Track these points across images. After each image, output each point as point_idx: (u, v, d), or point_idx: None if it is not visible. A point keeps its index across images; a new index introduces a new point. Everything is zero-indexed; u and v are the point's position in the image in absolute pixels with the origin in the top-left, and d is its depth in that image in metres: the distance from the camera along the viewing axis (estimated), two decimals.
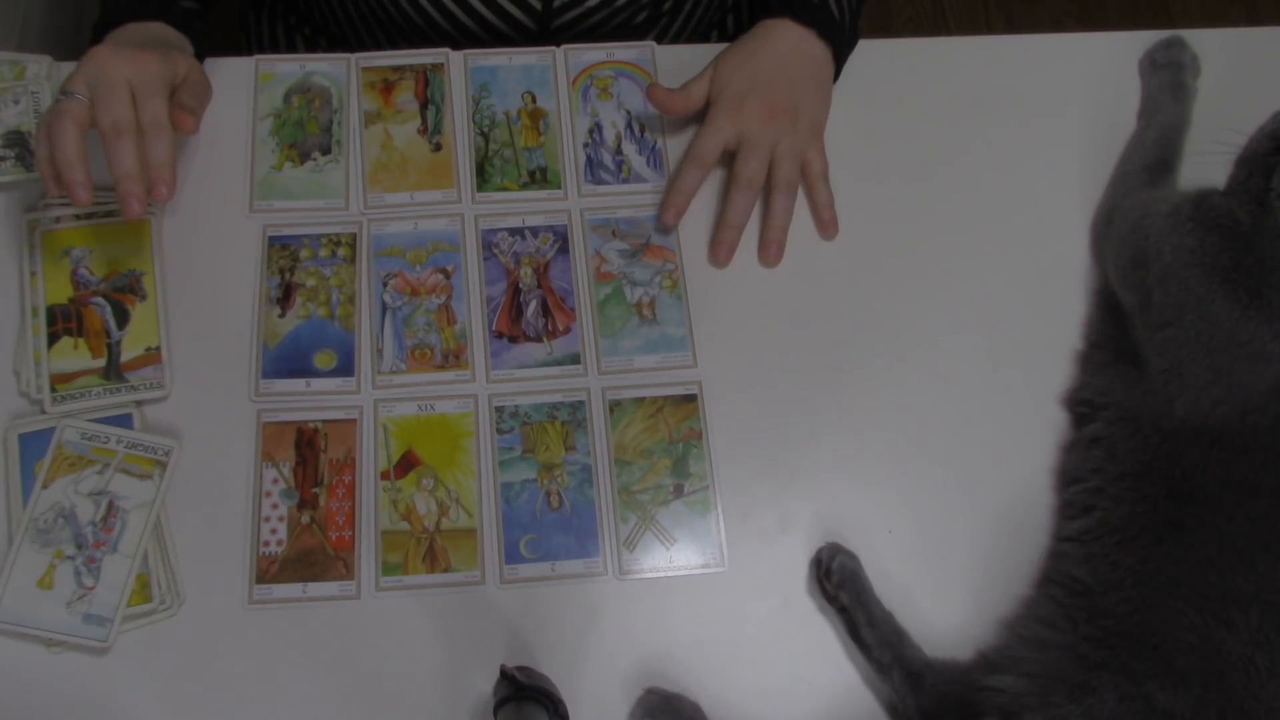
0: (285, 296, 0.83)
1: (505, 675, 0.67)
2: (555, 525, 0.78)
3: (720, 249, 0.86)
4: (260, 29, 1.11)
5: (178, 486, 0.77)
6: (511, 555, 0.77)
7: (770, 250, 0.86)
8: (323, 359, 0.82)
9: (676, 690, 0.74)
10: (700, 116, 0.89)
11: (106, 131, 0.74)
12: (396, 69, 0.91)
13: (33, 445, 0.77)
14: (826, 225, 0.87)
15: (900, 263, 0.88)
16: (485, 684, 0.73)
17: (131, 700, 0.73)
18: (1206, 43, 0.93)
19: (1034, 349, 0.85)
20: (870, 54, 0.93)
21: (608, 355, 0.83)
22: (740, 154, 0.86)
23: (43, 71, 0.88)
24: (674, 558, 0.78)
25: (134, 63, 0.76)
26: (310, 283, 0.84)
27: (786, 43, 0.88)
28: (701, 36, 1.09)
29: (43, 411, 0.78)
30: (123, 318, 0.81)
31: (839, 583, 0.76)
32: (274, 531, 0.77)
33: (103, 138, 0.74)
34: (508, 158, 0.89)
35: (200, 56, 0.87)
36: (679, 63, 0.92)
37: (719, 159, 0.87)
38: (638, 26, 1.00)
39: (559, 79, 0.92)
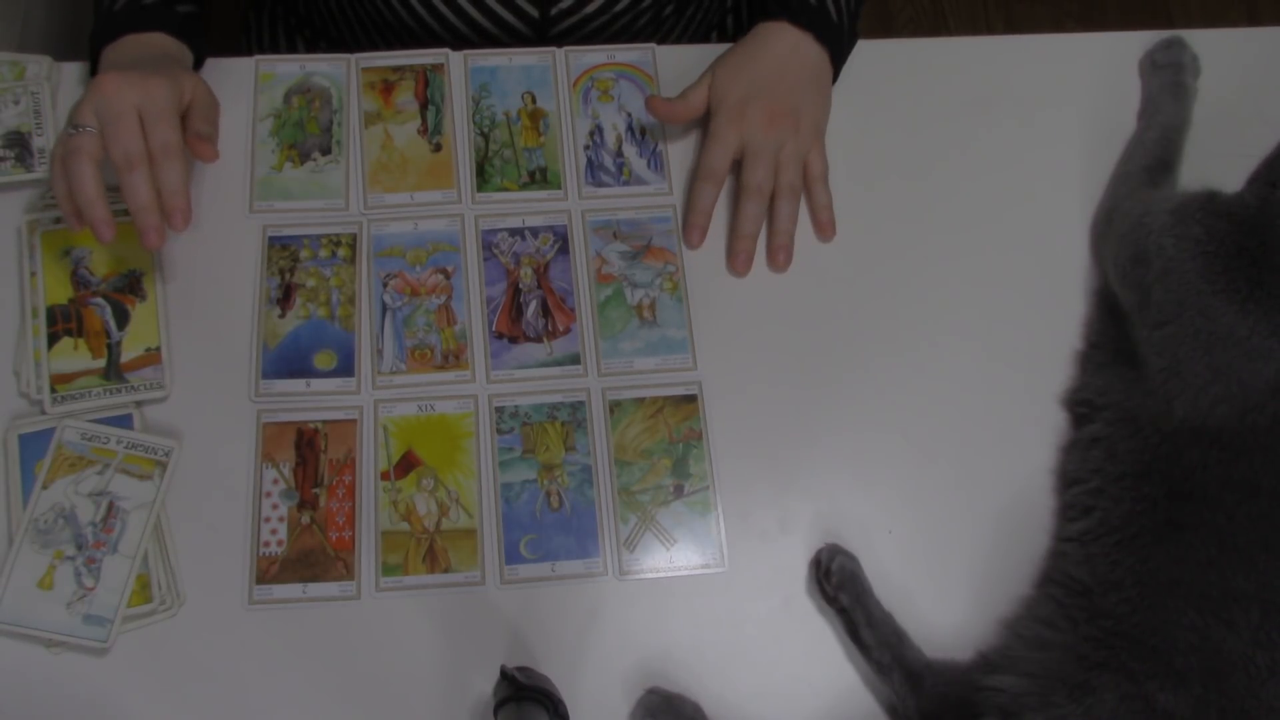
0: (285, 297, 0.83)
1: (505, 675, 0.67)
2: (555, 525, 0.78)
3: (739, 259, 0.85)
4: (261, 31, 1.11)
5: (178, 487, 0.77)
6: (511, 555, 0.77)
7: (778, 256, 0.86)
8: (323, 359, 0.82)
9: (677, 690, 0.74)
10: (701, 122, 0.89)
11: (119, 164, 0.74)
12: (396, 69, 0.91)
13: (33, 446, 0.77)
14: (824, 227, 0.87)
15: (900, 263, 0.88)
16: (485, 684, 0.73)
17: (131, 700, 0.73)
18: (1206, 43, 0.93)
19: (1034, 349, 0.85)
20: (870, 54, 0.93)
21: (608, 357, 0.83)
22: (746, 162, 0.86)
23: (43, 71, 0.88)
24: (674, 558, 0.78)
25: (141, 89, 0.75)
26: (310, 283, 0.84)
27: (784, 46, 0.88)
28: (701, 37, 1.09)
29: (43, 412, 0.78)
30: (123, 318, 0.81)
31: (838, 584, 0.76)
32: (274, 532, 0.77)
33: (115, 170, 0.74)
34: (508, 158, 0.89)
35: (200, 58, 0.87)
36: (679, 64, 0.92)
37: (730, 169, 0.87)
38: (638, 32, 1.00)
39: (559, 80, 0.92)
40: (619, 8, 0.96)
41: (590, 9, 0.95)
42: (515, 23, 0.95)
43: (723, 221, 0.88)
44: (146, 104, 0.75)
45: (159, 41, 0.83)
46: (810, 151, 0.87)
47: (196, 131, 0.78)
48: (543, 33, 0.96)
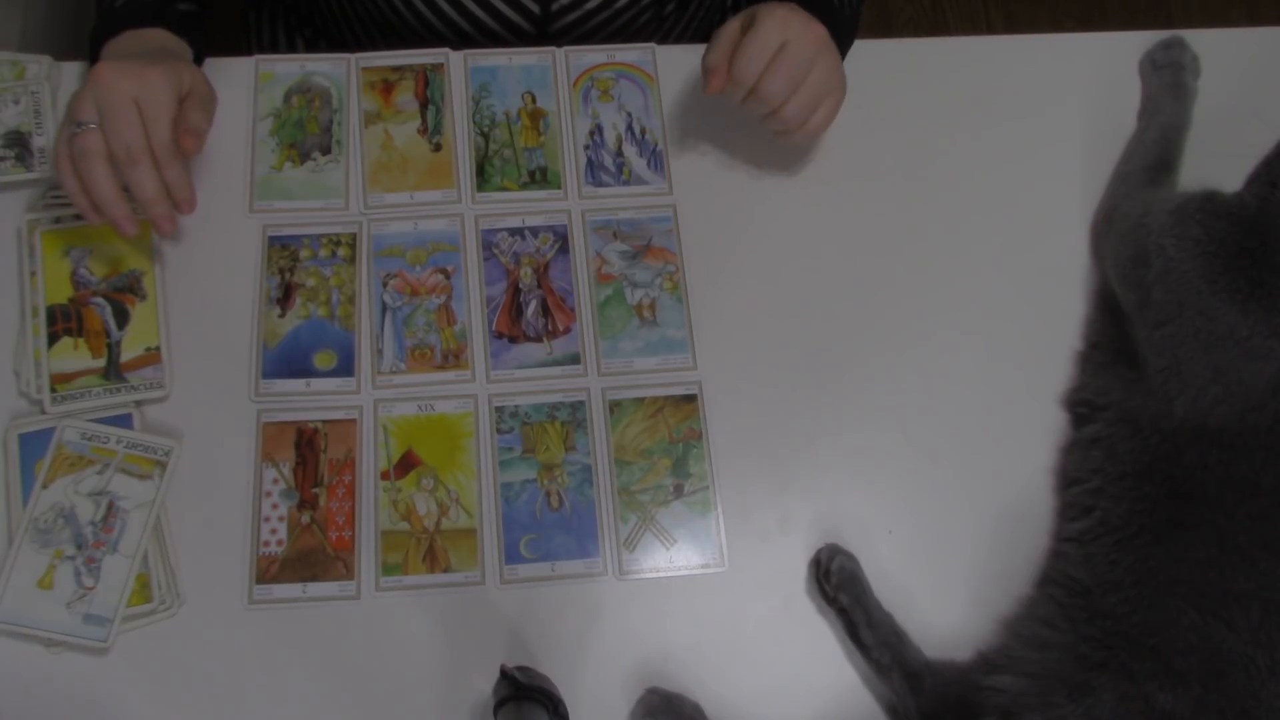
0: (285, 296, 0.83)
1: (505, 675, 0.67)
2: (555, 525, 0.78)
3: (713, 78, 0.79)
4: (261, 31, 1.11)
5: (178, 486, 0.77)
6: (511, 555, 0.77)
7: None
8: (323, 359, 0.82)
9: (677, 690, 0.74)
10: (703, 123, 0.90)
11: (121, 157, 0.74)
12: (396, 69, 0.91)
13: (33, 445, 0.77)
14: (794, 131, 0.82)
15: (900, 263, 0.88)
16: (485, 684, 0.73)
17: (131, 700, 0.73)
18: (1206, 43, 0.93)
19: (1034, 349, 0.85)
20: (870, 54, 0.93)
21: (608, 357, 0.83)
22: (784, 49, 0.79)
23: (43, 71, 0.88)
24: (674, 558, 0.78)
25: (139, 80, 0.75)
26: (310, 283, 0.84)
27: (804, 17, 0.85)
28: (702, 37, 1.09)
29: (43, 411, 0.78)
30: (123, 318, 0.81)
31: (838, 584, 0.76)
32: (274, 532, 0.77)
33: (118, 163, 0.74)
34: (508, 158, 0.89)
35: (200, 57, 0.86)
36: (680, 64, 0.92)
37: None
38: (640, 30, 1.00)
39: (559, 79, 0.92)
40: (620, 3, 0.96)
41: (592, 4, 0.95)
42: (516, 18, 0.95)
43: (724, 227, 0.88)
44: (144, 96, 0.75)
45: (159, 37, 0.83)
46: (830, 98, 0.82)
47: (187, 125, 0.78)
48: (544, 28, 0.96)
